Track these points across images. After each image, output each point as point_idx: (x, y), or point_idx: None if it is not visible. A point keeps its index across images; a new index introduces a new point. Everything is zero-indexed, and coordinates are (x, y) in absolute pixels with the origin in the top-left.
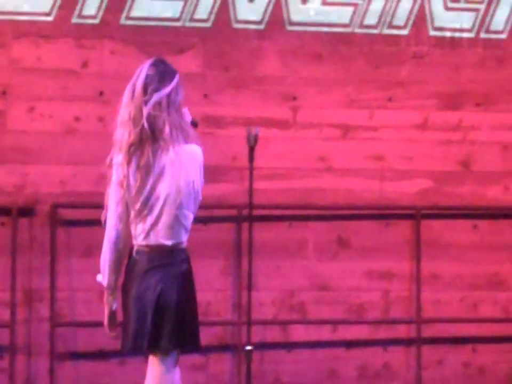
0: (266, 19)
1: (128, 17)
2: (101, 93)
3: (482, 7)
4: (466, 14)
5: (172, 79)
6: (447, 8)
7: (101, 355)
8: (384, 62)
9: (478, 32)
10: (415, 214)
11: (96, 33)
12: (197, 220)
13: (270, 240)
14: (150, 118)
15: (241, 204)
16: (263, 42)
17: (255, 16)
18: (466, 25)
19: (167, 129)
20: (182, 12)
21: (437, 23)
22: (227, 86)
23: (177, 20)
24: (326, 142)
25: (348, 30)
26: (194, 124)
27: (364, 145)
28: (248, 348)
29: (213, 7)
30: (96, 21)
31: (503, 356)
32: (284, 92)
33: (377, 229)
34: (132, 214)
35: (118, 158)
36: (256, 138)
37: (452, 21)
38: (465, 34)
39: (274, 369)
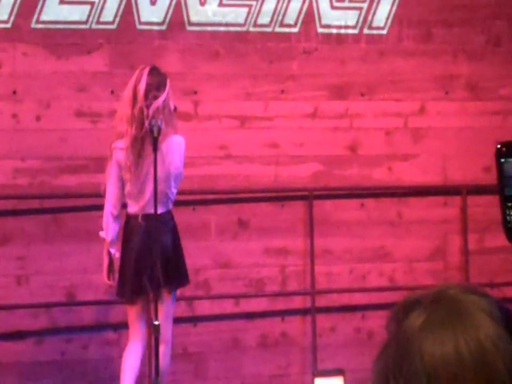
0: (167, 20)
1: (38, 21)
2: (14, 92)
3: (365, 5)
4: (350, 12)
5: (165, 86)
6: (333, 7)
7: (18, 335)
8: (277, 58)
9: (361, 29)
10: (308, 195)
11: (9, 37)
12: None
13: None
14: (150, 119)
15: None
16: (165, 42)
17: (157, 18)
18: (351, 22)
19: (163, 126)
20: (88, 15)
21: (324, 21)
22: None
23: (85, 22)
24: (225, 131)
25: (243, 28)
26: (174, 109)
27: (260, 134)
28: (156, 323)
29: (117, 10)
30: (8, 25)
31: None
32: (185, 87)
33: (273, 210)
34: (129, 190)
35: (119, 144)
36: (159, 130)
37: (338, 18)
38: (350, 31)
39: (182, 341)
